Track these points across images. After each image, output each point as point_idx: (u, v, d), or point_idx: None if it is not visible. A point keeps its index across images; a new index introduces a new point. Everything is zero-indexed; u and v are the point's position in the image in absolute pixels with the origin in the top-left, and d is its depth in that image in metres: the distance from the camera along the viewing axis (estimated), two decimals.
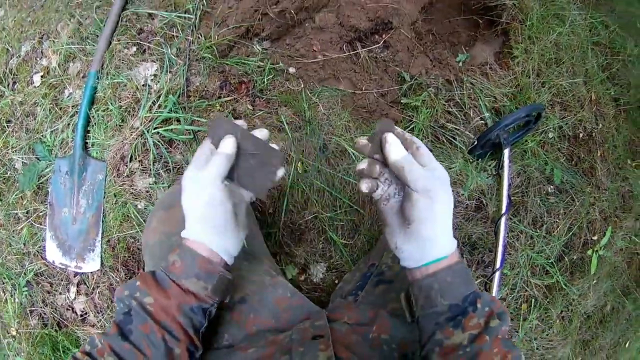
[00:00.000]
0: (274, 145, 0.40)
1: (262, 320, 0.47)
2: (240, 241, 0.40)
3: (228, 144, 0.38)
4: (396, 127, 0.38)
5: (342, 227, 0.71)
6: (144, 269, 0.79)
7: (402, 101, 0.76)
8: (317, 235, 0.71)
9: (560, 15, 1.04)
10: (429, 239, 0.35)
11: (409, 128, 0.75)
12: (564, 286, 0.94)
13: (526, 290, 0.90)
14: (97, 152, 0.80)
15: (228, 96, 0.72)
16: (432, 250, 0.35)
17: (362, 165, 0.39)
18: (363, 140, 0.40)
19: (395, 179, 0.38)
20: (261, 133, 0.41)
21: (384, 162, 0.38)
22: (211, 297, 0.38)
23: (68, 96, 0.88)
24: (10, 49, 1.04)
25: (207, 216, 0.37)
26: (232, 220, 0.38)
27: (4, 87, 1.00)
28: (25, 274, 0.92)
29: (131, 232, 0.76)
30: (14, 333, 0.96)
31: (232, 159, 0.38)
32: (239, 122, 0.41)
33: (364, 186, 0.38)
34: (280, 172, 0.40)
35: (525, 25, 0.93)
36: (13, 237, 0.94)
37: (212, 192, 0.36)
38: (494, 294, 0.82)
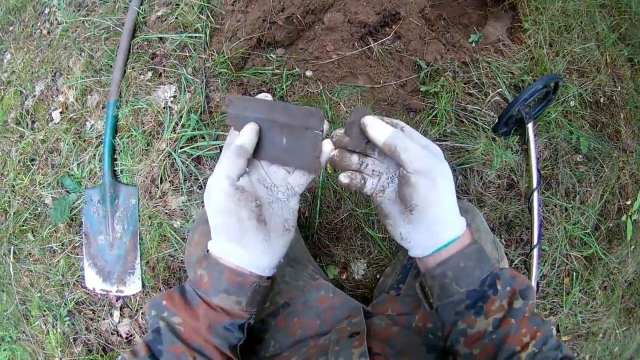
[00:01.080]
0: (302, 106, 0.34)
1: (306, 322, 0.46)
2: (277, 249, 0.34)
3: (244, 134, 0.32)
4: (372, 113, 0.34)
5: (378, 221, 0.71)
6: None
7: (421, 89, 0.75)
8: (354, 232, 0.71)
9: None
10: (438, 221, 0.32)
11: (432, 115, 0.74)
12: (603, 256, 0.92)
13: (567, 264, 0.88)
14: (126, 178, 0.82)
15: None
16: (442, 233, 0.33)
17: (333, 153, 0.34)
18: (340, 131, 0.35)
19: (385, 167, 0.35)
20: (264, 96, 0.35)
21: (364, 153, 0.35)
22: (247, 311, 0.33)
23: (90, 128, 0.90)
24: (23, 90, 1.07)
25: (219, 227, 0.32)
26: (253, 227, 0.32)
27: (23, 127, 1.02)
28: (65, 304, 0.94)
29: (169, 251, 0.78)
30: None
31: (247, 152, 0.32)
32: (262, 95, 0.34)
33: (343, 177, 0.34)
34: (325, 126, 0.32)
35: None
36: (50, 270, 0.96)
37: (219, 199, 0.31)
38: (534, 272, 0.81)
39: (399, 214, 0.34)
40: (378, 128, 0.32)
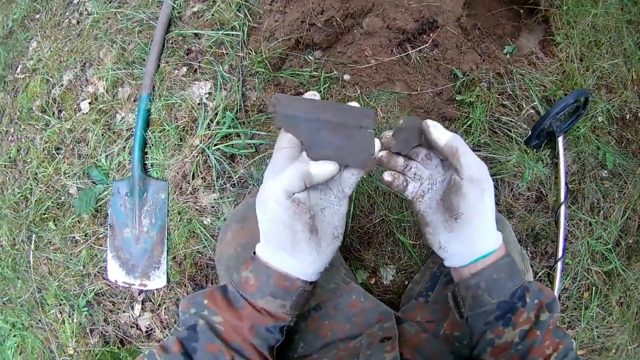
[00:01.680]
0: (354, 104, 0.34)
1: (337, 325, 0.47)
2: (325, 257, 0.34)
3: (323, 169, 0.31)
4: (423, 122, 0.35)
5: (410, 228, 0.72)
6: (211, 283, 0.81)
7: (457, 98, 0.76)
8: (385, 238, 0.72)
9: None
10: (479, 233, 0.33)
11: (466, 124, 0.75)
12: (622, 272, 0.93)
13: (587, 279, 0.89)
14: (157, 172, 0.82)
15: None
16: (481, 245, 0.33)
17: (381, 154, 0.36)
18: (389, 133, 0.37)
19: (427, 173, 0.36)
20: (312, 94, 0.34)
21: (409, 156, 0.36)
22: (290, 314, 0.34)
23: (121, 120, 0.90)
24: (50, 79, 1.06)
25: (272, 236, 0.32)
26: (305, 239, 0.32)
27: (49, 116, 1.02)
28: (85, 294, 0.94)
29: (198, 247, 0.78)
30: (71, 352, 0.98)
31: (312, 180, 0.31)
32: (309, 94, 0.34)
33: (387, 175, 0.36)
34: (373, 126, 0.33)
35: (563, 10, 0.92)
36: (71, 259, 0.96)
37: (274, 211, 0.31)
38: (557, 285, 0.82)
39: (440, 222, 0.35)
40: (441, 130, 0.34)
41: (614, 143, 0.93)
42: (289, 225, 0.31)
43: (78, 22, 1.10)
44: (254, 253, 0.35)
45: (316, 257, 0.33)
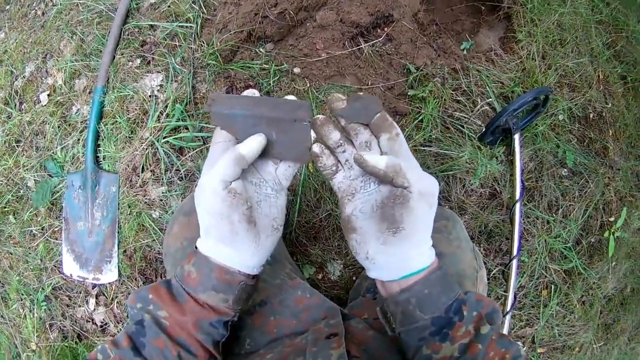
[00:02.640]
0: (291, 97, 0.33)
1: (283, 321, 0.46)
2: (265, 249, 0.34)
3: (250, 144, 0.31)
4: (381, 107, 0.32)
5: None
6: (161, 277, 0.80)
7: (409, 93, 0.75)
8: (332, 232, 0.71)
9: None
10: (417, 249, 0.31)
11: (418, 119, 0.74)
12: (582, 270, 0.93)
13: (545, 277, 0.89)
14: (108, 165, 0.81)
15: None
16: (417, 260, 0.31)
17: (319, 116, 0.33)
18: (341, 96, 0.33)
19: (360, 170, 0.33)
20: (251, 92, 0.34)
21: (347, 136, 0.33)
22: (232, 309, 0.34)
23: (76, 112, 0.89)
24: (14, 71, 1.05)
25: (211, 228, 0.32)
26: (243, 230, 0.32)
27: (11, 108, 1.01)
28: (43, 289, 0.93)
29: (147, 241, 0.77)
30: (33, 347, 0.97)
31: (246, 162, 0.31)
32: (249, 91, 0.34)
33: (316, 147, 0.33)
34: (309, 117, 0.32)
35: (527, 8, 0.92)
36: (29, 253, 0.95)
37: (211, 202, 0.31)
38: (512, 282, 0.81)
39: (373, 231, 0.32)
40: (374, 160, 0.31)
41: (576, 142, 0.93)
42: (227, 216, 0.31)
43: (43, 13, 1.08)
44: (196, 247, 0.34)
45: (256, 249, 0.33)
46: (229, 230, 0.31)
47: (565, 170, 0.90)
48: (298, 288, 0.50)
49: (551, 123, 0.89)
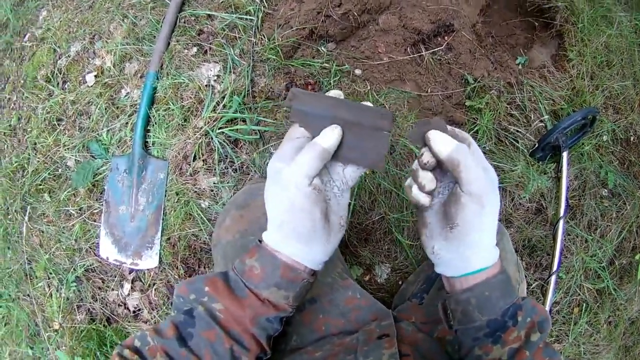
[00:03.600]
0: (368, 104, 0.33)
1: (331, 320, 0.46)
2: (332, 246, 0.34)
3: (330, 136, 0.31)
4: (445, 125, 0.32)
5: (408, 228, 0.71)
6: (204, 267, 0.80)
7: (466, 103, 0.76)
8: (383, 236, 0.71)
9: (608, 17, 1.03)
10: (474, 247, 0.32)
11: (473, 130, 0.75)
12: (613, 291, 0.93)
13: (579, 294, 0.90)
14: (157, 151, 0.81)
15: None
16: (474, 259, 0.32)
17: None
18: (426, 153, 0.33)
19: (439, 175, 0.34)
20: (336, 94, 0.34)
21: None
22: (291, 305, 0.34)
23: (125, 96, 0.89)
24: (57, 49, 1.05)
25: (287, 224, 0.32)
26: (321, 227, 0.32)
27: (53, 86, 1.01)
28: (75, 269, 0.93)
29: (193, 230, 0.77)
30: (56, 327, 0.97)
31: (329, 155, 0.31)
32: (333, 92, 0.33)
33: (423, 198, 0.32)
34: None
35: (578, 28, 0.92)
36: (63, 233, 0.95)
37: (294, 197, 0.30)
38: (549, 298, 0.82)
39: (438, 227, 0.33)
40: (441, 143, 0.31)
41: (617, 163, 0.94)
42: (309, 212, 0.31)
43: None
44: (260, 241, 0.34)
45: (326, 246, 0.33)
46: (309, 227, 0.31)
47: (606, 190, 0.91)
48: (349, 288, 0.50)
49: (596, 143, 0.89)
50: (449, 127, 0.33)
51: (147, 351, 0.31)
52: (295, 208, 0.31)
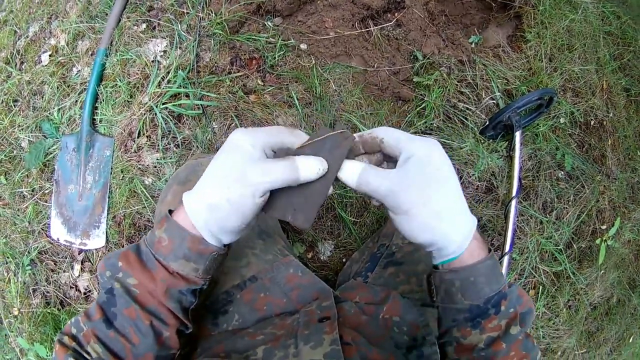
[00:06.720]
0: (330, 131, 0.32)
1: (273, 299, 0.46)
2: (246, 233, 0.34)
3: (313, 170, 0.30)
4: (354, 135, 0.32)
5: (352, 204, 0.71)
6: None
7: (414, 79, 0.75)
8: (326, 212, 0.71)
9: (572, 2, 1.03)
10: (433, 216, 0.31)
11: (421, 107, 0.74)
12: (571, 274, 0.93)
13: (534, 277, 0.89)
14: (104, 129, 0.80)
15: (238, 72, 0.72)
16: (449, 231, 0.31)
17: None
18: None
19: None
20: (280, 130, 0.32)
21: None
22: (202, 278, 0.33)
23: (76, 74, 0.88)
24: (18, 30, 1.04)
25: (217, 213, 0.30)
26: (245, 227, 0.32)
27: (12, 67, 0.99)
28: (29, 252, 0.92)
29: (137, 207, 0.76)
30: (15, 313, 0.95)
31: (297, 183, 0.30)
32: (277, 128, 0.32)
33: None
34: (330, 190, 0.32)
35: (538, 10, 0.92)
36: (18, 215, 0.93)
37: (244, 198, 0.29)
38: None
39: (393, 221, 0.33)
40: (348, 172, 0.31)
41: (575, 146, 0.93)
42: (245, 216, 0.30)
43: None
44: (170, 212, 0.33)
45: (239, 235, 0.33)
46: (236, 226, 0.31)
47: (563, 173, 0.91)
48: (290, 265, 0.49)
49: (552, 125, 0.89)
50: (356, 136, 0.32)
51: (82, 337, 0.31)
52: (237, 206, 0.30)
